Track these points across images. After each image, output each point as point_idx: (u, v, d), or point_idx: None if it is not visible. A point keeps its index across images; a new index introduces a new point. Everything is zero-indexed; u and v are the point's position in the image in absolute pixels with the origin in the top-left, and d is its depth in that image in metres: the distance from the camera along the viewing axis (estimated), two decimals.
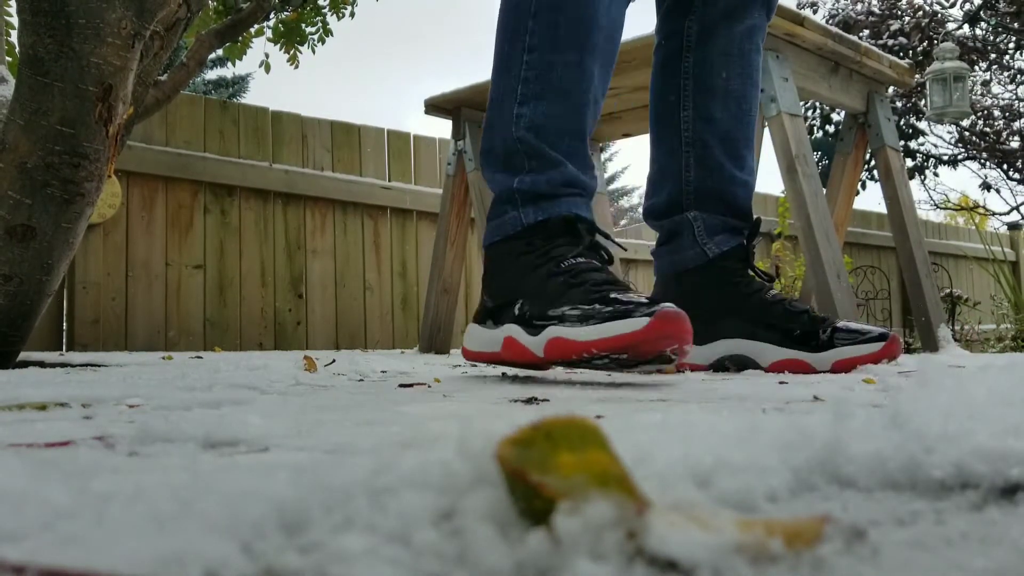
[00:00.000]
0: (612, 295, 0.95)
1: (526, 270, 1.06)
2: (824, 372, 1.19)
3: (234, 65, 3.11)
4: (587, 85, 1.09)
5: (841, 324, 1.23)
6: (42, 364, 1.43)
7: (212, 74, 15.56)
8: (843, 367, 1.18)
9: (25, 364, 1.37)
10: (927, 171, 9.28)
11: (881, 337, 1.19)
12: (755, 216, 1.39)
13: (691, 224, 1.35)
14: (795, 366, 1.22)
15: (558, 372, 1.32)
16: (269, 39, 3.02)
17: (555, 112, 1.09)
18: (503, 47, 1.14)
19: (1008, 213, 9.60)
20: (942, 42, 6.46)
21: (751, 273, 1.33)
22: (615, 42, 1.14)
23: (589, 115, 1.10)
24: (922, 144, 9.22)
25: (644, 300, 0.92)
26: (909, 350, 3.61)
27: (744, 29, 1.36)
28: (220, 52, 2.85)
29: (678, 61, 1.38)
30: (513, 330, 1.02)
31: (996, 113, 8.77)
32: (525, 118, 1.10)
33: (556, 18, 1.10)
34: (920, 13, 7.89)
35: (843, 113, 2.79)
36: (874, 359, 1.18)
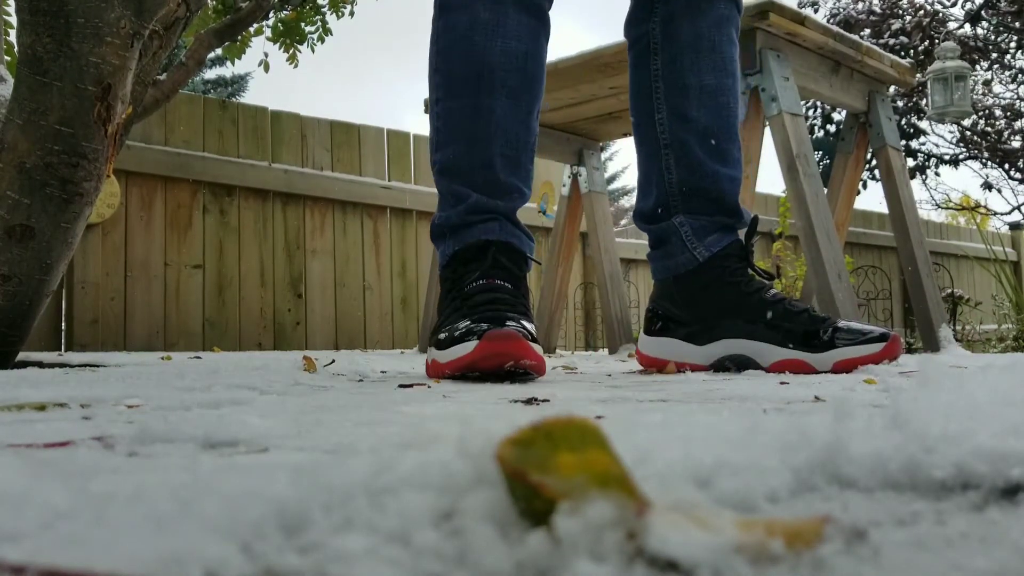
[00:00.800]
0: (472, 318, 1.07)
1: (445, 295, 1.21)
2: (825, 372, 1.19)
3: (233, 64, 3.11)
4: (486, 122, 1.21)
5: (842, 324, 1.22)
6: (41, 364, 1.43)
7: (211, 73, 15.55)
8: (844, 367, 1.18)
9: (24, 364, 1.37)
10: (928, 171, 9.28)
11: (882, 337, 1.18)
12: (753, 214, 1.37)
13: (678, 230, 1.34)
14: (796, 366, 1.21)
15: (558, 372, 1.32)
16: (268, 38, 3.02)
17: (460, 152, 1.23)
18: (428, 101, 1.30)
19: (1009, 213, 9.60)
20: (943, 41, 6.46)
21: (751, 272, 1.31)
22: (526, 71, 1.23)
23: (496, 146, 1.21)
24: (923, 144, 9.22)
25: (484, 327, 1.03)
26: (910, 350, 3.61)
27: (711, 21, 1.33)
28: (219, 51, 2.85)
29: (647, 63, 1.38)
30: (431, 352, 1.16)
31: (997, 112, 8.76)
32: (438, 163, 1.26)
33: (448, 68, 1.24)
34: (921, 12, 7.89)
35: (844, 112, 2.79)
36: (875, 359, 1.18)
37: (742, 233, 1.35)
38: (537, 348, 1.05)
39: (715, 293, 1.31)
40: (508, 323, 1.05)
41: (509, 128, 1.22)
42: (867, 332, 1.20)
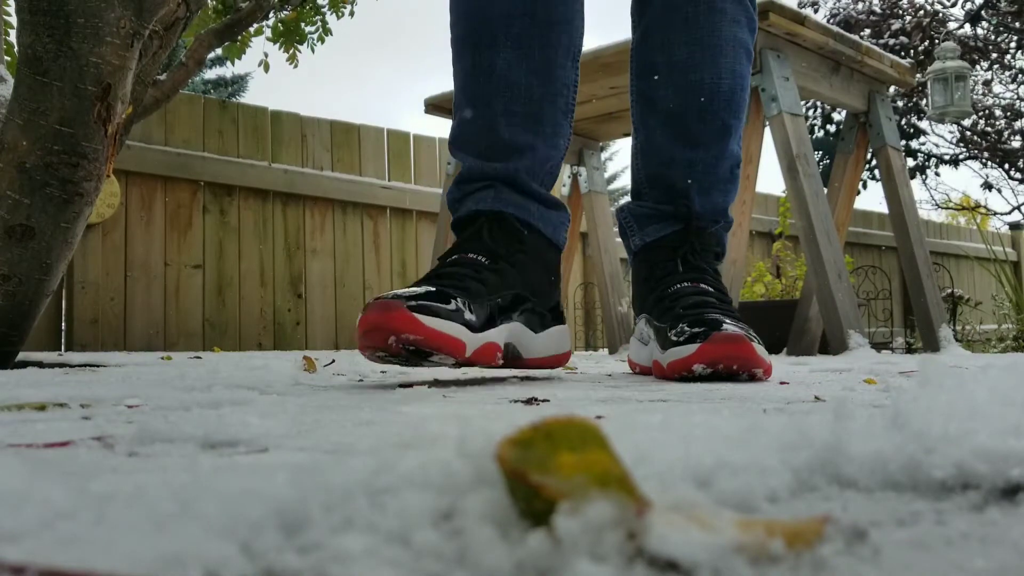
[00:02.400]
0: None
1: None
2: (667, 375, 1.04)
3: (233, 64, 3.11)
4: (485, 79, 1.11)
5: (711, 317, 1.03)
6: (41, 364, 1.43)
7: (211, 73, 15.56)
8: (676, 369, 1.01)
9: (24, 364, 1.37)
10: (928, 171, 9.28)
11: (703, 336, 0.99)
12: (721, 196, 1.21)
13: (619, 219, 1.26)
14: (656, 368, 1.09)
15: (558, 372, 1.32)
16: (268, 38, 3.02)
17: (464, 119, 1.14)
18: None
19: (1009, 213, 9.60)
20: (943, 41, 6.46)
21: (680, 265, 1.16)
22: (535, 15, 1.10)
23: (498, 103, 1.11)
24: (923, 144, 9.22)
25: (403, 296, 0.89)
26: (910, 350, 3.61)
27: None
28: (219, 51, 2.85)
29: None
30: None
31: (997, 112, 8.76)
32: (449, 136, 1.18)
33: (455, 28, 1.15)
34: (921, 12, 7.89)
35: (844, 112, 2.79)
36: (686, 364, 0.99)
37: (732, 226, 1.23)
38: (437, 323, 0.87)
39: (638, 288, 1.23)
40: (400, 294, 0.90)
41: (516, 81, 1.10)
42: (697, 333, 1.00)
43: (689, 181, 1.20)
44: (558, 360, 1.15)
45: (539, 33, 1.11)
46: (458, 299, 0.93)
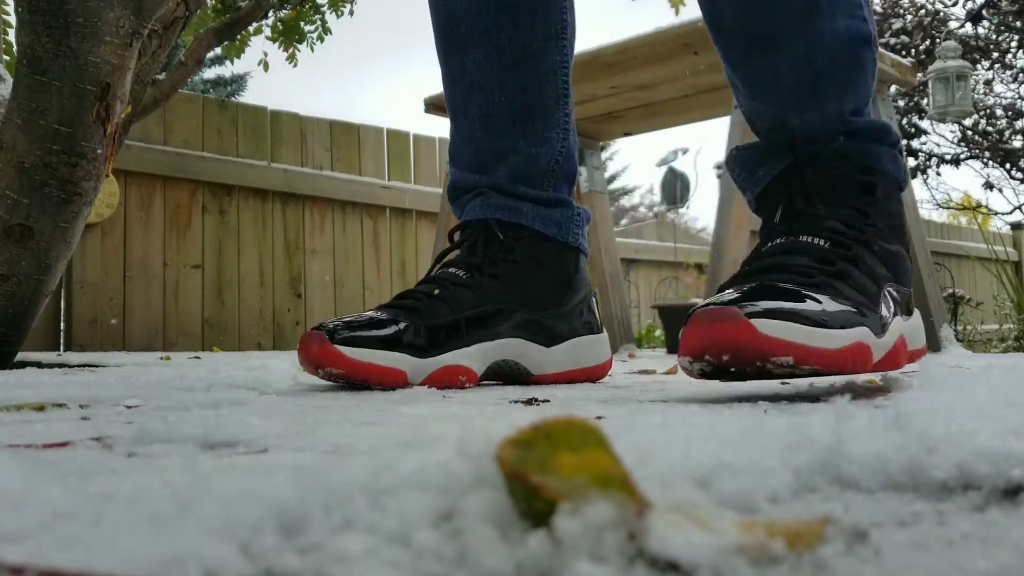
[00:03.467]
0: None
1: None
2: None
3: (232, 63, 3.11)
4: (460, 85, 1.03)
5: (744, 289, 0.69)
6: (40, 364, 1.43)
7: (210, 72, 15.55)
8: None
9: (23, 364, 1.37)
10: (929, 170, 9.28)
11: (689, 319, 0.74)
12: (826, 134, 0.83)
13: (730, 173, 0.94)
14: None
15: None
16: (268, 37, 3.02)
17: (452, 130, 1.06)
18: None
19: (1011, 213, 9.60)
20: (944, 41, 6.46)
21: (780, 210, 0.83)
22: (500, 3, 0.98)
23: (473, 110, 1.01)
24: (924, 143, 9.22)
25: (337, 326, 0.86)
26: None
27: None
28: (218, 50, 2.85)
29: None
30: None
31: (999, 112, 8.76)
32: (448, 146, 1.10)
33: (435, 40, 1.06)
34: (922, 12, 7.89)
35: None
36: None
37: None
38: (364, 355, 0.84)
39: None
40: (336, 324, 0.87)
41: (489, 82, 1.00)
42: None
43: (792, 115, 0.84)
44: (585, 374, 1.02)
45: (509, 22, 0.99)
46: (401, 323, 0.88)
